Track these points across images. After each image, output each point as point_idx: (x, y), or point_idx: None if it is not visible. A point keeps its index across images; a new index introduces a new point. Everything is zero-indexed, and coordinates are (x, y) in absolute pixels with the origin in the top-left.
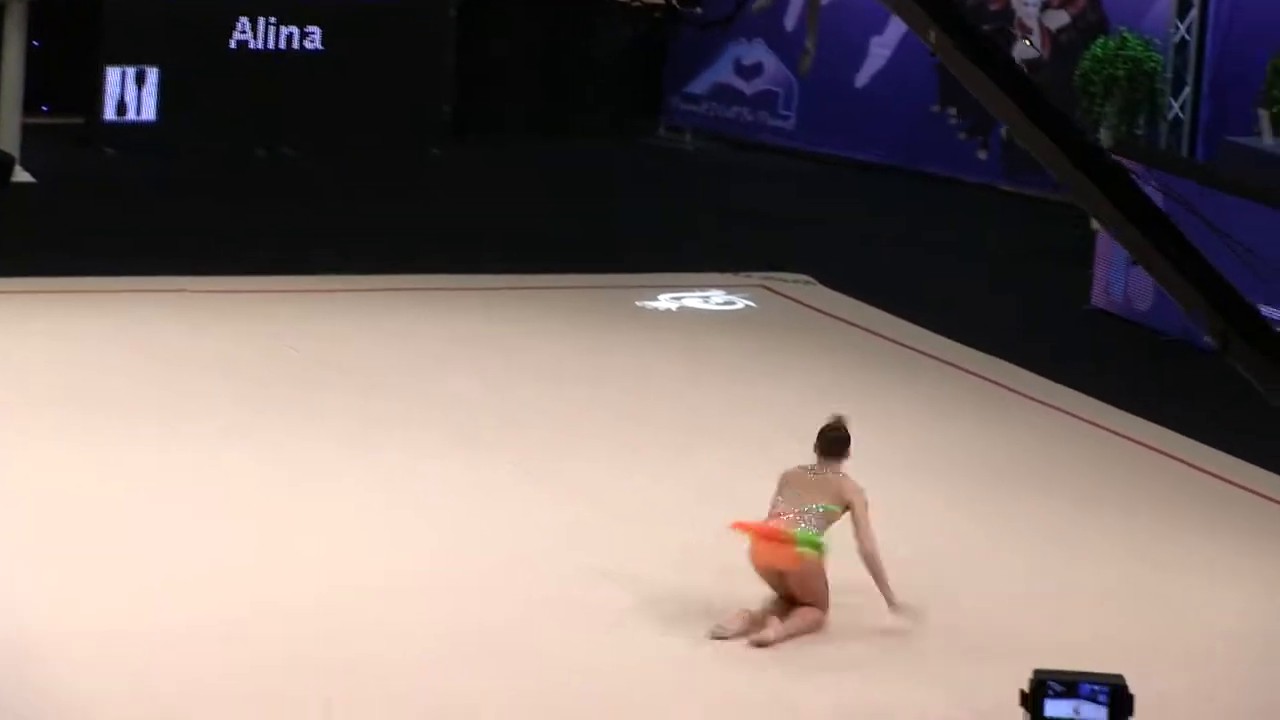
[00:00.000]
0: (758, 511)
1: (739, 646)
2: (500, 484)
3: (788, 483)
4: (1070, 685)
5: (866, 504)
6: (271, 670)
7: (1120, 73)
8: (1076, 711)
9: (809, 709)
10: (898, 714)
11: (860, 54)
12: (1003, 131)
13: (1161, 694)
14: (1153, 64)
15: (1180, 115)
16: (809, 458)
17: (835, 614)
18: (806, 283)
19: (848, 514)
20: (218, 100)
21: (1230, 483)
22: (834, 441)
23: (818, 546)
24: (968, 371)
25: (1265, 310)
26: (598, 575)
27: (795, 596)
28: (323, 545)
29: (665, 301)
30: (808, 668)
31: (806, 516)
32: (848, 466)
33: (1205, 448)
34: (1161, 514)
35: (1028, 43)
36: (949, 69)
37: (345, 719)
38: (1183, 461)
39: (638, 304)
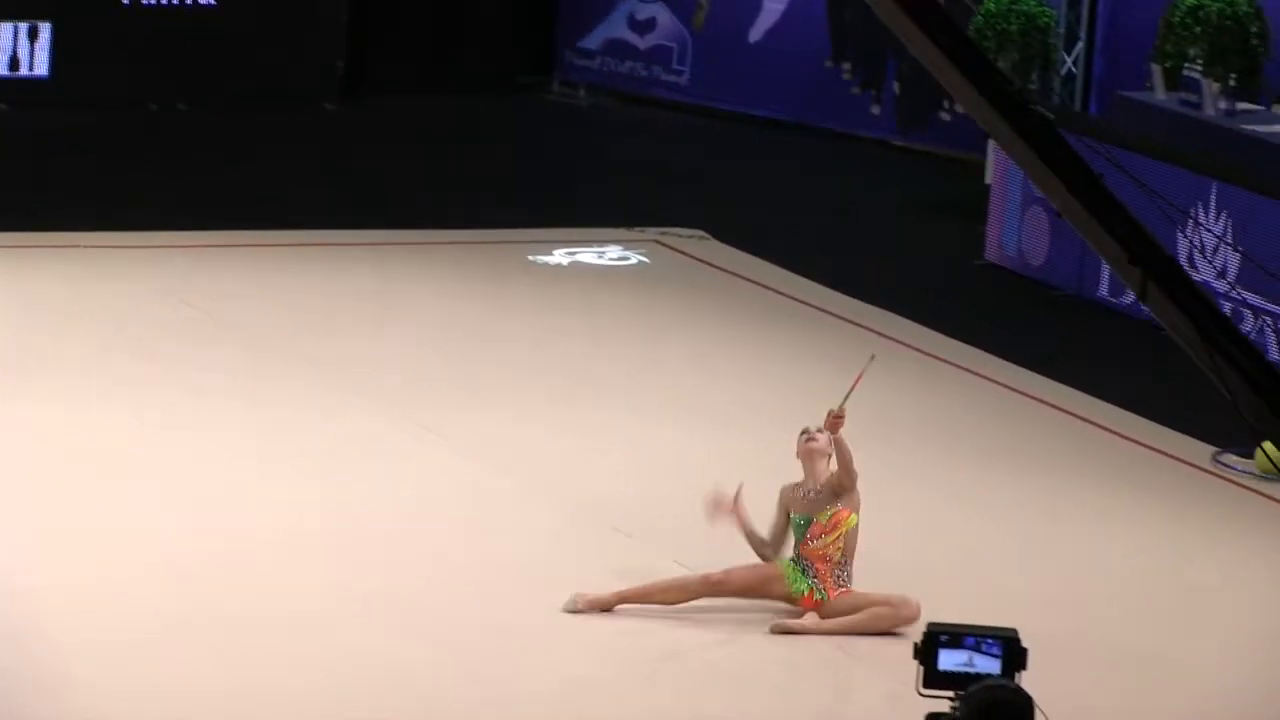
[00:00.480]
0: (651, 463)
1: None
2: (394, 440)
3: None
4: (962, 638)
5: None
6: (165, 626)
7: (1013, 28)
8: (970, 664)
9: (702, 661)
10: (779, 668)
11: (754, 9)
12: (896, 86)
13: (1054, 642)
14: (1046, 19)
15: (1073, 70)
16: (696, 411)
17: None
18: (701, 238)
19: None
20: (111, 55)
21: (1121, 436)
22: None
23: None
24: (861, 326)
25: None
26: (495, 530)
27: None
28: (215, 501)
29: (559, 257)
30: (702, 622)
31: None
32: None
33: (1097, 401)
34: (1054, 467)
35: None
36: (881, 17)
37: (242, 675)
38: (1074, 415)
39: (530, 258)
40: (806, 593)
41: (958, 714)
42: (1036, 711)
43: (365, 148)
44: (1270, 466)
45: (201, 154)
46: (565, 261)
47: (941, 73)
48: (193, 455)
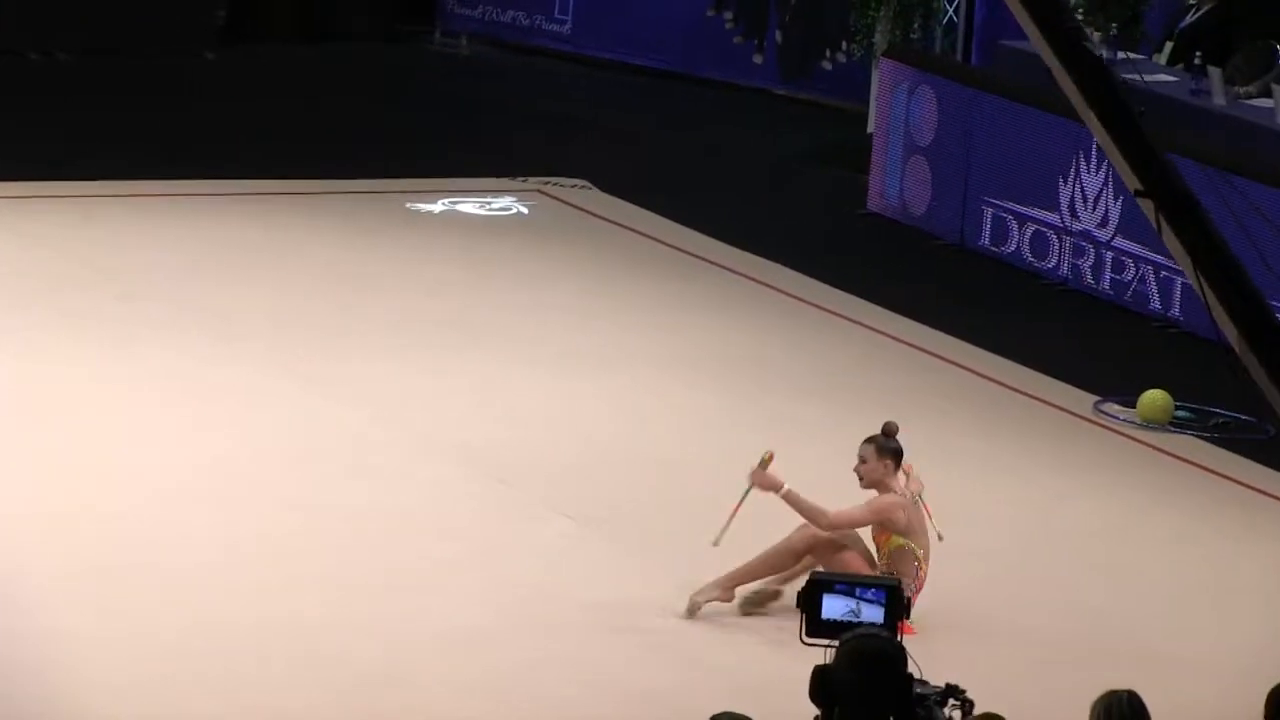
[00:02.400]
0: (532, 411)
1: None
2: (275, 389)
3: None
4: (845, 587)
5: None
6: (50, 578)
7: None
8: (853, 612)
9: (585, 609)
10: (660, 614)
11: None
12: (777, 35)
13: (939, 592)
14: None
15: (955, 19)
16: (577, 359)
17: None
18: (583, 187)
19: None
20: None
21: (1003, 384)
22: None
23: None
24: (742, 275)
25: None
26: (377, 479)
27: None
28: (93, 451)
29: (441, 206)
30: (589, 571)
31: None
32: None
33: (978, 350)
34: (936, 416)
35: None
36: None
37: (123, 626)
38: (955, 364)
39: (410, 206)
40: None
41: (831, 663)
42: (909, 660)
43: (246, 97)
44: (1151, 416)
45: (82, 103)
46: (447, 211)
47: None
48: (70, 405)
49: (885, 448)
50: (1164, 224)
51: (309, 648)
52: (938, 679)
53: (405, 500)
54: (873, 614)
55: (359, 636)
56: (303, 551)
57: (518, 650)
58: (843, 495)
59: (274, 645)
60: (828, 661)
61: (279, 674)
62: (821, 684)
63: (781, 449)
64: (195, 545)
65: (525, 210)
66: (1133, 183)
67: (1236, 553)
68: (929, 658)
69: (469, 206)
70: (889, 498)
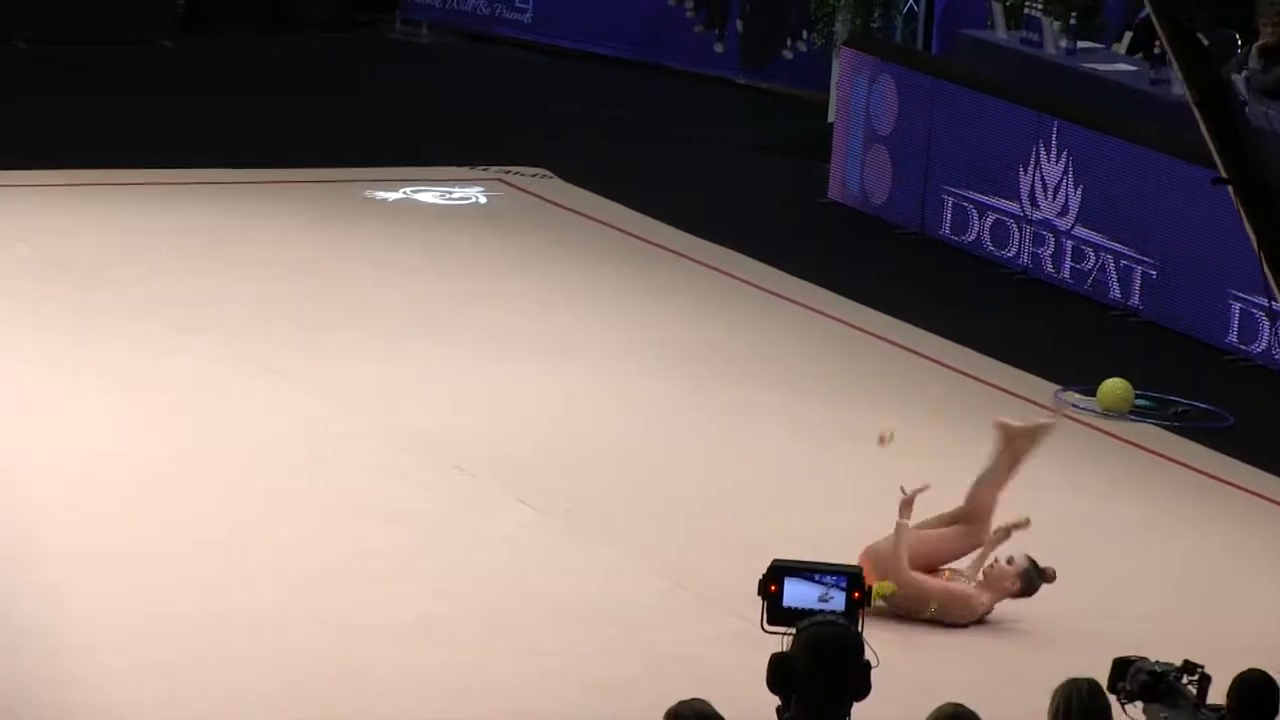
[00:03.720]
0: (492, 400)
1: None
2: (233, 377)
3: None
4: (807, 574)
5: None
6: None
7: None
8: (814, 599)
9: (541, 600)
10: (620, 605)
11: None
12: (739, 24)
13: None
14: None
15: (915, 8)
16: (537, 348)
17: None
18: (544, 176)
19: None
20: None
21: (964, 373)
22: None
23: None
24: (703, 264)
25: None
26: (335, 468)
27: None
28: (52, 440)
29: (401, 195)
30: (543, 562)
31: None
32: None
33: (937, 338)
34: (896, 404)
35: None
36: None
37: (78, 613)
38: (916, 353)
39: (369, 195)
40: None
41: (789, 650)
42: (866, 647)
43: (205, 85)
44: (1111, 404)
45: (40, 92)
46: (407, 200)
47: None
48: (30, 394)
49: (1031, 581)
50: (1236, 203)
51: (264, 637)
52: (897, 660)
53: (363, 489)
54: (833, 602)
55: (315, 626)
56: (259, 541)
57: (475, 640)
58: (801, 482)
59: (229, 635)
60: (785, 649)
61: (233, 664)
62: (779, 672)
63: (739, 436)
64: (150, 535)
65: (485, 199)
66: (1218, 168)
67: (1196, 540)
68: (894, 636)
69: (429, 195)
70: (968, 593)
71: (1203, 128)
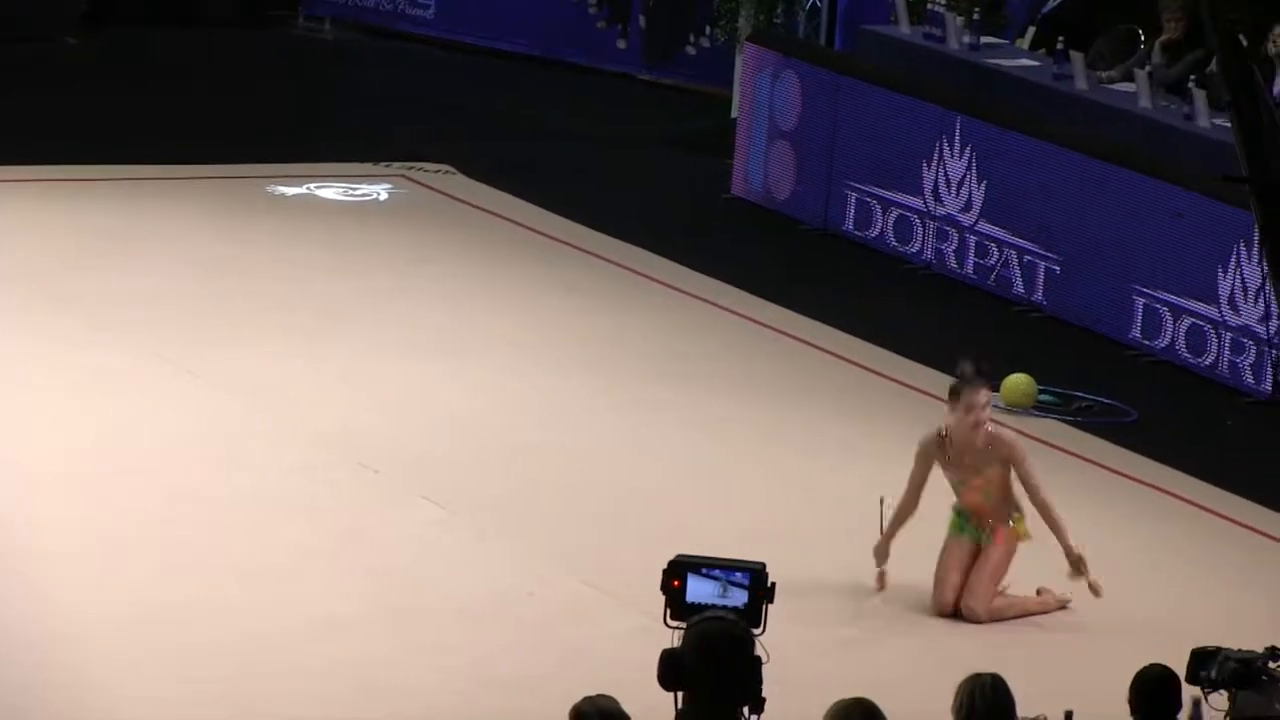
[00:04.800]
0: (397, 397)
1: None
2: (140, 375)
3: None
4: (709, 569)
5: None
6: None
7: None
8: (717, 595)
9: (450, 599)
10: (529, 604)
11: None
12: (642, 20)
13: (807, 576)
14: None
15: (818, 4)
16: (441, 345)
17: None
18: (447, 172)
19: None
20: None
21: (868, 369)
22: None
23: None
24: (607, 260)
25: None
26: (242, 466)
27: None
28: None
29: (306, 191)
30: (455, 562)
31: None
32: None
33: (841, 333)
34: (802, 401)
35: None
36: None
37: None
38: (817, 347)
39: (272, 190)
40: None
41: (678, 647)
42: (756, 643)
43: (108, 82)
44: (1015, 400)
45: None
46: (309, 196)
47: None
48: None
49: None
50: (1252, 204)
51: (171, 635)
52: (804, 661)
53: (270, 486)
54: (735, 597)
55: (222, 624)
56: (168, 539)
57: (382, 638)
58: (707, 480)
59: (137, 633)
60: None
61: (142, 663)
62: (669, 668)
63: (646, 433)
64: (61, 531)
65: (389, 195)
66: (1241, 167)
67: (1100, 535)
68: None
69: (332, 192)
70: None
71: (1233, 125)
